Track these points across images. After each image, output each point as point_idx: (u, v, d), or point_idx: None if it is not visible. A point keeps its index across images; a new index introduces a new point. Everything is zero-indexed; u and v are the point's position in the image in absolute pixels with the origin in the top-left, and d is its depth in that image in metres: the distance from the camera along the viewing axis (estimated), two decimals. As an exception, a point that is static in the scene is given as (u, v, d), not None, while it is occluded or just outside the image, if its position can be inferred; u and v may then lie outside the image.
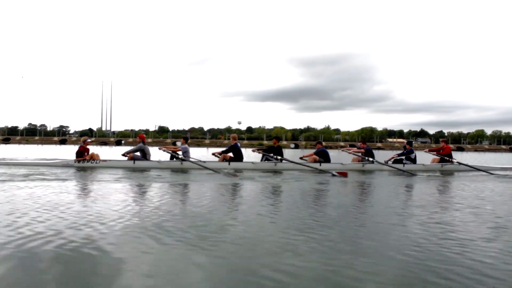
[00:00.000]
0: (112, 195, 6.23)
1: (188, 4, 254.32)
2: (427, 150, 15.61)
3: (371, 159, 12.90)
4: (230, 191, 7.30)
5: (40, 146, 53.29)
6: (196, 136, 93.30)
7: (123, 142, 77.63)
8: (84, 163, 11.79)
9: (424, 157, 15.86)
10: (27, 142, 71.99)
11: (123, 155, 12.33)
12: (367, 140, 15.76)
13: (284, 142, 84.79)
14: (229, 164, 11.98)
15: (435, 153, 14.43)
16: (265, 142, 79.82)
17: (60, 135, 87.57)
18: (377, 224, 4.46)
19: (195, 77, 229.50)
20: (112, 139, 79.56)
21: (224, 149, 13.27)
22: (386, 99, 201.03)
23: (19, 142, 69.39)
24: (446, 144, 14.52)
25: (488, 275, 2.72)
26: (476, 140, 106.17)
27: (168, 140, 75.81)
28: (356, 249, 3.32)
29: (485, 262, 3.01)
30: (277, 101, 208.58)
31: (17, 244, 3.26)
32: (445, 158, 13.77)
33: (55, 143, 74.67)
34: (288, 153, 15.59)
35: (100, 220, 4.22)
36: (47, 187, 7.06)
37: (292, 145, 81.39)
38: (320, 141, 14.34)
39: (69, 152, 28.29)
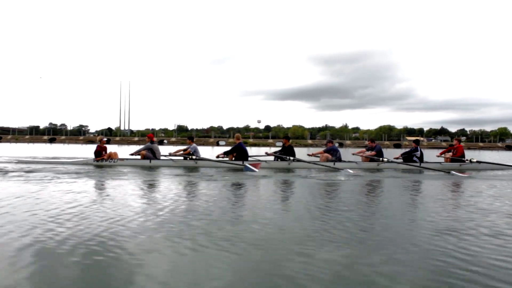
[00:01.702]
0: (133, 194, 6.37)
1: (209, 3, 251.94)
2: (438, 155, 14.69)
3: (385, 159, 13.10)
4: (246, 189, 7.52)
5: (31, 144, 52.89)
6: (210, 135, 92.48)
7: (110, 140, 78.09)
8: (103, 162, 12.20)
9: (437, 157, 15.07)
10: (17, 140, 71.21)
11: (132, 154, 12.77)
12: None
13: (310, 141, 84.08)
14: (242, 163, 12.26)
15: (450, 154, 13.60)
16: (270, 140, 79.16)
17: (82, 135, 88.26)
18: (396, 223, 4.46)
19: (216, 76, 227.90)
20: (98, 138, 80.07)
21: (227, 149, 13.30)
22: (408, 97, 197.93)
23: (9, 141, 68.62)
24: (459, 143, 13.93)
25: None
26: (499, 138, 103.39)
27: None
28: (375, 248, 3.33)
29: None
30: (297, 99, 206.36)
31: (43, 240, 3.37)
32: (456, 159, 13.16)
33: (44, 142, 74.00)
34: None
35: (124, 219, 4.30)
36: (71, 185, 7.28)
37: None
38: (331, 140, 14.64)
39: (58, 150, 28.02)
